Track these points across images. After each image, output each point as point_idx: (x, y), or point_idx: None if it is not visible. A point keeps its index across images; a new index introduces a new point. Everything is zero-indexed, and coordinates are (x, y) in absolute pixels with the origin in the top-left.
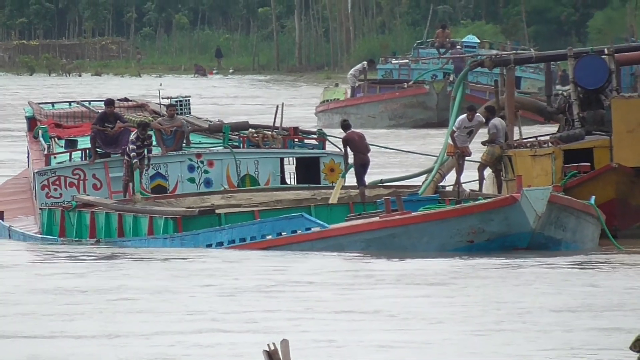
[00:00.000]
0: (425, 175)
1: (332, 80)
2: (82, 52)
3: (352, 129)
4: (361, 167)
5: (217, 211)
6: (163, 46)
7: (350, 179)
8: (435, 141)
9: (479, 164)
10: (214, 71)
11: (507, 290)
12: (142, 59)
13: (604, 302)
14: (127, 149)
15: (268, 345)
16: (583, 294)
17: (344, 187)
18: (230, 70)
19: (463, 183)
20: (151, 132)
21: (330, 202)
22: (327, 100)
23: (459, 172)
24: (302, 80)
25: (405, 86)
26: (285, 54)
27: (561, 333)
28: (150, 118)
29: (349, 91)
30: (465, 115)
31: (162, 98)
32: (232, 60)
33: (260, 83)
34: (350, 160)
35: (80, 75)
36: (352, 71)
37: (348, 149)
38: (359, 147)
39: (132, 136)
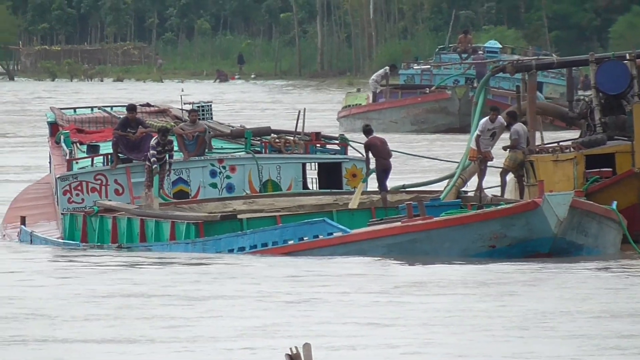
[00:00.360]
0: (446, 181)
1: (354, 85)
2: (104, 58)
3: (374, 134)
4: (383, 172)
5: (239, 216)
6: (185, 51)
7: (372, 184)
8: (457, 146)
9: (501, 169)
10: (236, 76)
11: (528, 296)
12: (163, 64)
13: (626, 308)
14: (149, 154)
15: (290, 349)
16: (604, 299)
17: (365, 193)
18: (252, 76)
19: (485, 188)
20: (172, 138)
21: (350, 207)
22: (350, 106)
23: (481, 177)
24: (324, 86)
25: (428, 91)
26: (307, 59)
27: (582, 339)
28: (172, 123)
29: (370, 96)
30: (487, 117)
31: (184, 103)
32: (254, 65)
33: (282, 88)
34: (372, 165)
35: (102, 81)
36: (374, 76)
37: (370, 154)
38: (380, 152)
39: (153, 141)
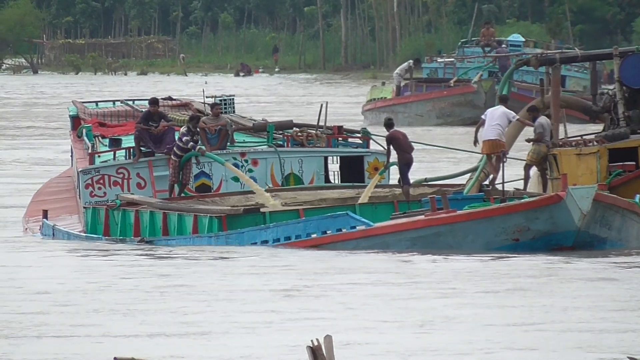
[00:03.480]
0: (469, 174)
1: (378, 79)
2: (128, 51)
3: (396, 128)
4: (405, 165)
5: (261, 210)
6: (209, 45)
7: (393, 177)
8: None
9: (524, 163)
10: (260, 70)
11: (553, 290)
12: (186, 58)
13: None
14: (176, 146)
15: (312, 341)
16: (628, 293)
17: (387, 186)
18: (277, 69)
19: (507, 182)
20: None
21: (360, 201)
22: (374, 99)
23: (497, 171)
24: (348, 79)
25: (452, 84)
26: (331, 53)
27: (608, 334)
28: (198, 114)
29: (395, 90)
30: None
31: (206, 97)
32: (278, 59)
33: (307, 82)
34: (393, 159)
35: (126, 74)
36: (397, 70)
37: (391, 148)
38: (403, 145)
39: (183, 129)
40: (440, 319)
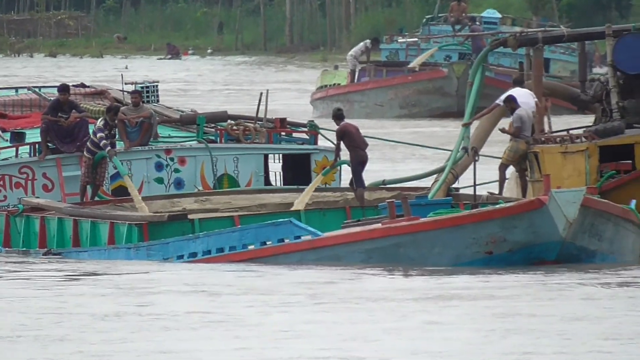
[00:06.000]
0: (435, 176)
1: (330, 62)
2: (34, 29)
3: (347, 120)
4: (360, 165)
5: (189, 217)
6: (129, 22)
7: (344, 179)
8: (454, 134)
9: (500, 162)
10: (190, 51)
11: (533, 311)
12: (123, 39)
13: None
14: (89, 141)
15: None
16: (621, 315)
17: (338, 190)
18: (209, 51)
19: (481, 184)
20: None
21: (294, 207)
22: (326, 86)
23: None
24: (293, 63)
25: (417, 69)
26: (273, 31)
27: None
28: (117, 105)
29: (349, 75)
30: None
31: (126, 83)
32: (210, 38)
33: (245, 65)
34: (345, 157)
35: (31, 56)
36: (352, 51)
37: (342, 144)
38: (357, 141)
39: (100, 123)
40: (400, 345)
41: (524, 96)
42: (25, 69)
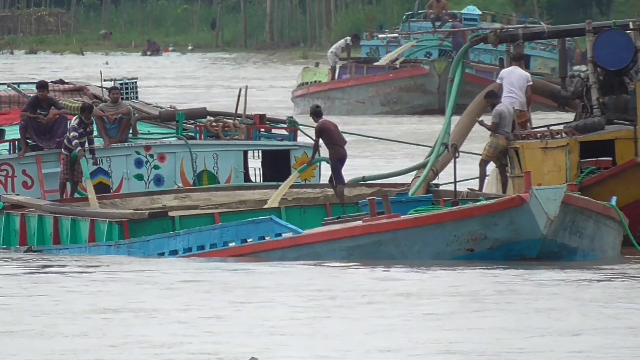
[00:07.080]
0: (415, 172)
1: (310, 59)
2: (14, 26)
3: (325, 117)
4: (339, 161)
5: (170, 214)
6: (110, 19)
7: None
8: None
9: (480, 158)
10: (170, 48)
11: (514, 310)
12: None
13: (628, 323)
14: (66, 138)
15: None
16: (602, 312)
17: (318, 186)
18: (189, 47)
19: (461, 181)
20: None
21: (268, 205)
22: (306, 83)
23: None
24: (274, 59)
25: (398, 66)
26: (254, 28)
27: None
28: (90, 104)
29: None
30: None
31: (105, 80)
32: (191, 35)
33: (225, 62)
34: (323, 154)
35: (12, 53)
36: (333, 48)
37: (320, 141)
38: (335, 138)
39: (74, 121)
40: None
41: (519, 79)
42: (5, 66)
